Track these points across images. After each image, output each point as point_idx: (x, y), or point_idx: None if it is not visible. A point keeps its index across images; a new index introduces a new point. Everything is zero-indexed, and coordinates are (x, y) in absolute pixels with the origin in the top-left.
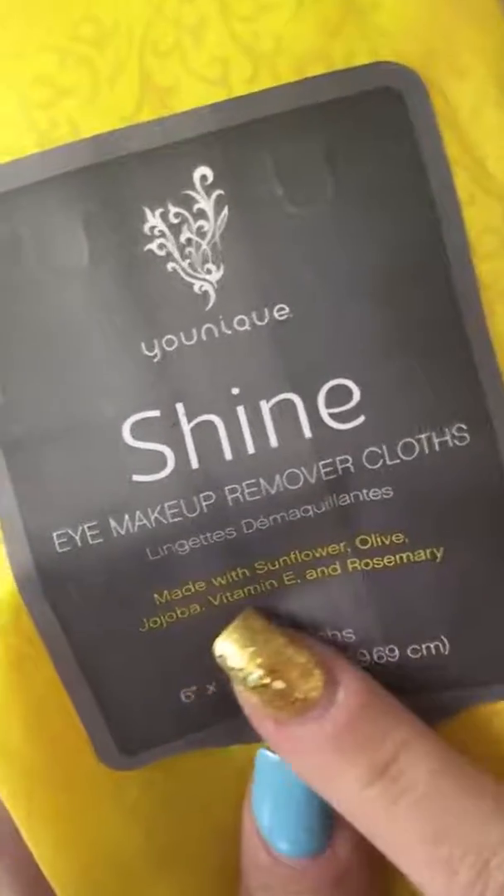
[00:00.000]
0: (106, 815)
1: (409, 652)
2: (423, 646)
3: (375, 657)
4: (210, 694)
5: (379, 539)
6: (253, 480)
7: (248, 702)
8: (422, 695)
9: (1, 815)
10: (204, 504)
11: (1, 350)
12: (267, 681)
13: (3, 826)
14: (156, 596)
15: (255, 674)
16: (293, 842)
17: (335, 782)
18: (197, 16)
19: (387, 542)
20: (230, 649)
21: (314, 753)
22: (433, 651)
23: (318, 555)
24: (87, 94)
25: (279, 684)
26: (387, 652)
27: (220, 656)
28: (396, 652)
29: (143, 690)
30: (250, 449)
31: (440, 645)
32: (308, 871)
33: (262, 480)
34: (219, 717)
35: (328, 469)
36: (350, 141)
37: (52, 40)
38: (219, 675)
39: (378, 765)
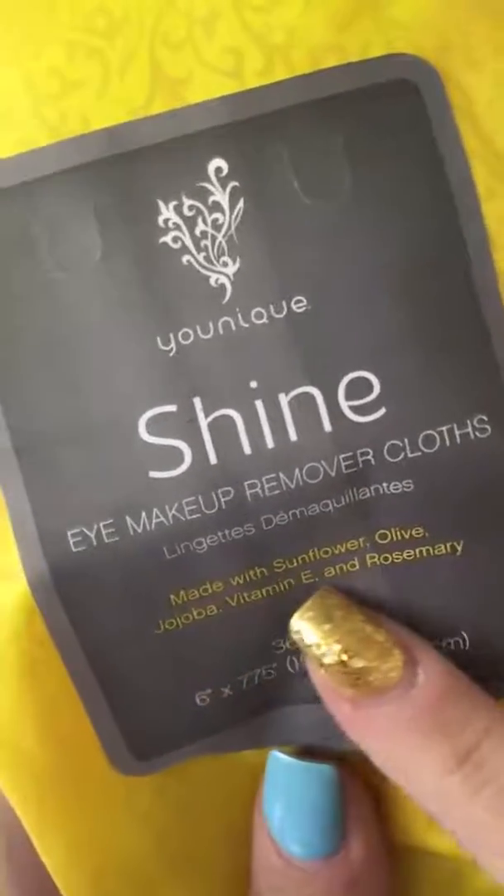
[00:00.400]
0: (118, 821)
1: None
2: (444, 642)
3: None
4: (225, 697)
5: (398, 533)
6: (272, 475)
7: (324, 681)
8: None
9: (10, 821)
10: (223, 500)
11: (12, 349)
12: (345, 658)
13: (13, 834)
14: (172, 596)
15: (332, 652)
16: (305, 844)
17: (413, 767)
18: (209, 8)
19: (406, 537)
20: (306, 626)
21: (392, 736)
22: (452, 647)
23: (336, 551)
24: (97, 87)
25: (358, 662)
26: None
27: (297, 633)
28: None
29: (156, 694)
30: (269, 443)
31: (460, 641)
32: (320, 874)
33: (281, 475)
34: (234, 720)
35: (348, 462)
36: (366, 133)
37: (64, 33)
38: (234, 678)
39: (460, 751)
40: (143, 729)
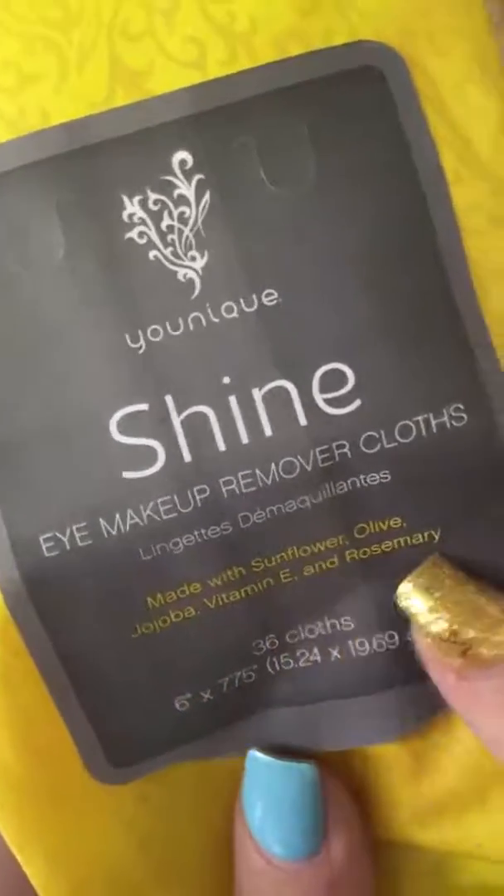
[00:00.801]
0: (101, 830)
1: (408, 637)
2: None
3: (375, 645)
4: (206, 702)
5: (376, 525)
6: (248, 471)
7: (430, 650)
8: (425, 682)
9: None
10: (198, 498)
11: None
12: (455, 628)
13: None
14: (149, 599)
15: (441, 621)
16: (286, 844)
17: None
18: (171, 1)
19: (384, 528)
20: (415, 594)
21: (498, 712)
22: None
23: (315, 549)
24: (54, 81)
25: (467, 633)
26: (386, 639)
27: (406, 599)
28: (396, 638)
29: (135, 700)
30: (244, 439)
31: None
32: (302, 874)
33: (257, 471)
34: (215, 725)
35: (325, 455)
36: (332, 121)
37: (17, 24)
38: (214, 682)
39: None
40: (122, 736)
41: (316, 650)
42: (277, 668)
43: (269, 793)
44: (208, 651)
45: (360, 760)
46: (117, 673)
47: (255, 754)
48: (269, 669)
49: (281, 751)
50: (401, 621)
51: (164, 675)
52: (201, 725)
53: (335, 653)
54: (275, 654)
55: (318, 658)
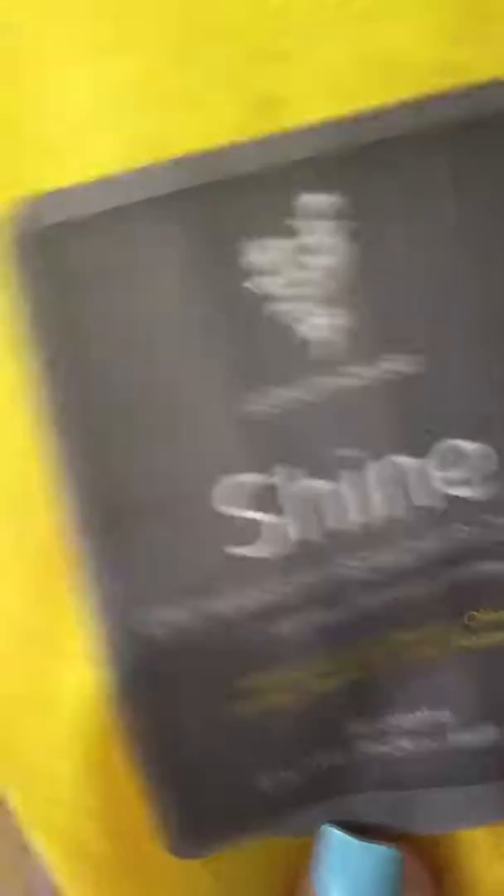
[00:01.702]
0: None
1: None
2: None
3: (473, 738)
4: (291, 782)
5: (488, 615)
6: (360, 553)
7: None
8: None
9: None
10: (305, 580)
11: (82, 412)
12: None
13: None
14: (247, 681)
15: None
16: None
17: None
18: (312, 22)
19: (496, 618)
20: None
21: None
22: None
23: (423, 635)
24: (180, 107)
25: None
26: (485, 732)
27: None
28: (495, 731)
29: (219, 778)
30: (358, 517)
31: None
32: None
33: (370, 553)
34: (299, 805)
35: (444, 541)
36: (480, 166)
37: (141, 43)
38: (303, 764)
39: None
40: (202, 812)
41: (411, 741)
42: (369, 754)
43: (345, 871)
44: (301, 734)
45: (443, 840)
46: (205, 752)
47: (333, 831)
48: (361, 755)
49: (358, 828)
50: (501, 714)
51: (253, 756)
52: (284, 805)
53: (431, 744)
54: (367, 739)
55: (413, 748)
